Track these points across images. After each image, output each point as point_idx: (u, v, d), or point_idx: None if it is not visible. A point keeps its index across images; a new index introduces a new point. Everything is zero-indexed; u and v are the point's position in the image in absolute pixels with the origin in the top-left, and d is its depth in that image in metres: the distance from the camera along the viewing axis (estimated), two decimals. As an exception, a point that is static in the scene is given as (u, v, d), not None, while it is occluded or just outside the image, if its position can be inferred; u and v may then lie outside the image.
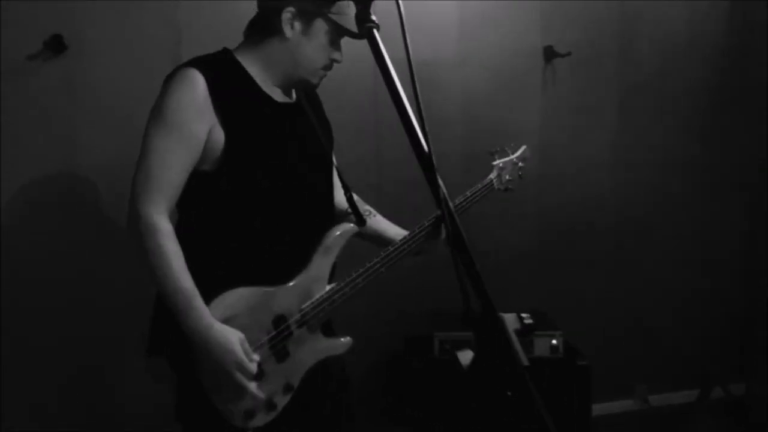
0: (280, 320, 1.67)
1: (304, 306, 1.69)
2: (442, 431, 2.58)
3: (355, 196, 1.94)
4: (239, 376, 1.56)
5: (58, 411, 2.47)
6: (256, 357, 1.59)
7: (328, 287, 1.73)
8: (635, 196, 3.28)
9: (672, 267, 3.36)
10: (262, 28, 1.69)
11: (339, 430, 1.89)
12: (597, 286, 3.27)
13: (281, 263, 1.68)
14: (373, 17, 1.11)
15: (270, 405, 1.65)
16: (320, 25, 1.66)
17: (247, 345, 1.58)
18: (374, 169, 2.84)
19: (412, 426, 2.66)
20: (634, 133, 3.24)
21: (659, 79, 3.25)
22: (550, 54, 3.03)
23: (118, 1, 2.44)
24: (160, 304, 1.65)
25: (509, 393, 0.82)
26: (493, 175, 2.06)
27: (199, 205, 1.65)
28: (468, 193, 1.98)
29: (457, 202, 1.92)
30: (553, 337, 2.64)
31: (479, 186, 2.02)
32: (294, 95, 1.79)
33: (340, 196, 1.90)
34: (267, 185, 1.66)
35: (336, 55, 1.72)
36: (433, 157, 1.01)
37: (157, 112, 1.59)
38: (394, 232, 1.93)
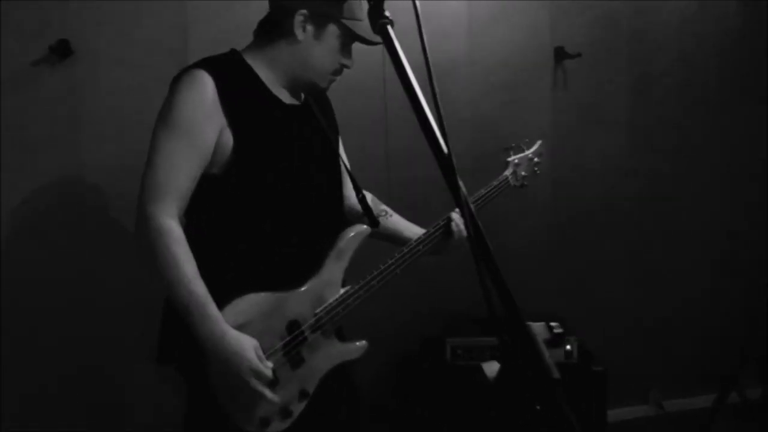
0: (293, 326, 1.63)
1: (318, 310, 1.66)
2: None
3: (371, 196, 1.91)
4: (255, 383, 1.53)
5: (58, 411, 2.46)
6: (269, 364, 1.56)
7: (341, 290, 1.70)
8: (647, 197, 3.24)
9: (687, 269, 3.32)
10: (273, 30, 1.66)
11: None
12: (609, 289, 3.23)
13: (291, 266, 1.65)
14: (387, 13, 1.08)
15: (285, 412, 1.62)
16: (332, 30, 1.63)
17: (261, 352, 1.55)
18: (383, 169, 2.82)
19: (420, 428, 2.63)
20: (645, 133, 3.22)
21: (670, 79, 3.22)
22: (560, 55, 3.02)
23: (124, 6, 2.43)
24: (169, 310, 1.62)
25: (538, 407, 0.78)
26: (508, 172, 2.02)
27: (208, 210, 1.62)
28: (483, 191, 1.94)
29: (471, 200, 1.88)
30: (567, 342, 2.60)
31: (494, 183, 1.98)
32: (302, 97, 1.76)
33: (353, 198, 1.87)
34: (275, 188, 1.63)
35: (346, 61, 1.69)
36: (453, 158, 0.97)
37: (165, 114, 1.56)
38: (411, 232, 1.89)
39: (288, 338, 1.62)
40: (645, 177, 3.23)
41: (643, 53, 3.18)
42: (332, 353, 1.70)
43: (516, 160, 2.04)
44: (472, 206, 0.94)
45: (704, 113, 3.29)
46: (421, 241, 1.79)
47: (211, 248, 1.60)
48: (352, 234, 1.71)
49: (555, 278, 3.10)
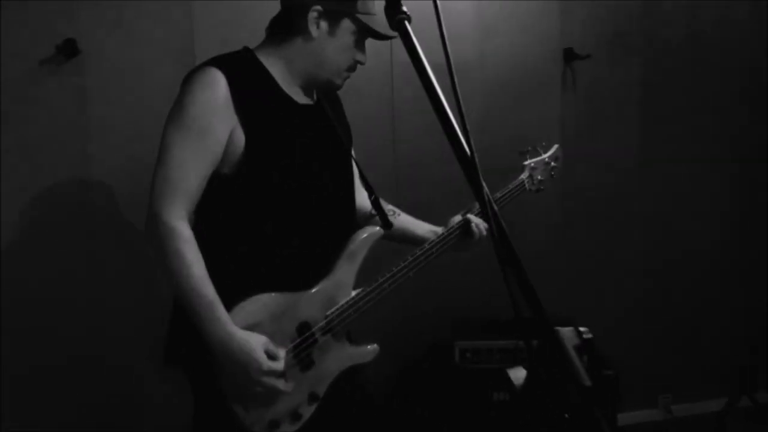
0: (304, 327, 1.61)
1: (329, 312, 1.64)
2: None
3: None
4: (266, 380, 1.51)
5: (58, 411, 2.44)
6: (281, 353, 1.54)
7: (353, 293, 1.67)
8: (658, 199, 3.22)
9: (696, 272, 3.29)
10: (286, 27, 1.64)
11: None
12: (619, 292, 3.20)
13: (302, 267, 1.63)
14: (404, 8, 1.05)
15: (295, 415, 1.60)
16: (347, 26, 1.61)
17: (271, 346, 1.53)
18: (391, 170, 2.80)
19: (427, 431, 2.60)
20: (655, 135, 3.20)
21: (679, 80, 3.21)
22: (570, 56, 3.01)
23: (131, 6, 2.41)
24: (178, 311, 1.60)
25: (567, 415, 0.75)
26: (524, 176, 1.98)
27: (218, 209, 1.60)
28: (498, 195, 1.91)
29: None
30: None
31: (510, 187, 1.94)
32: (315, 96, 1.74)
33: (363, 199, 1.85)
34: (287, 188, 1.61)
35: (360, 57, 1.67)
36: (476, 160, 0.95)
37: (176, 112, 1.54)
38: (423, 229, 1.87)
39: (298, 340, 1.60)
40: (655, 178, 3.21)
41: (652, 54, 3.16)
42: (343, 356, 1.67)
43: (532, 164, 2.01)
44: (497, 210, 0.91)
45: (718, 113, 3.27)
46: (435, 243, 1.76)
47: (220, 249, 1.58)
48: (364, 236, 1.69)
49: (564, 279, 3.07)
